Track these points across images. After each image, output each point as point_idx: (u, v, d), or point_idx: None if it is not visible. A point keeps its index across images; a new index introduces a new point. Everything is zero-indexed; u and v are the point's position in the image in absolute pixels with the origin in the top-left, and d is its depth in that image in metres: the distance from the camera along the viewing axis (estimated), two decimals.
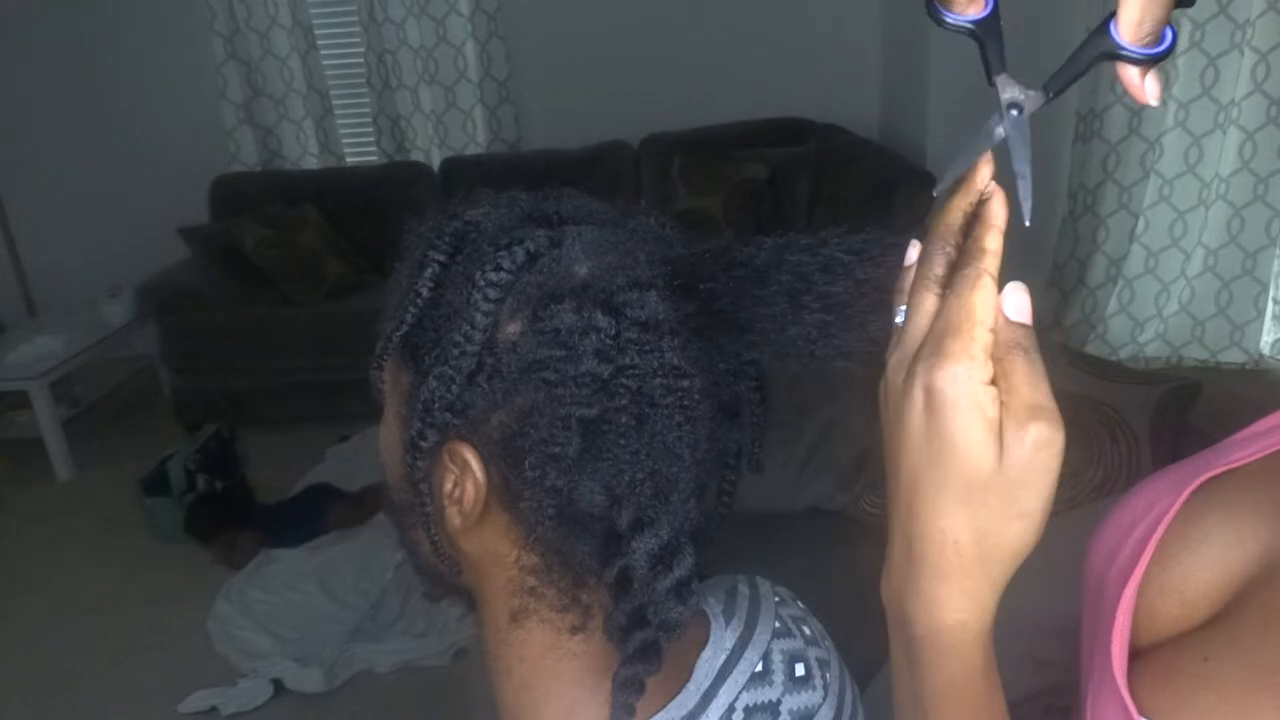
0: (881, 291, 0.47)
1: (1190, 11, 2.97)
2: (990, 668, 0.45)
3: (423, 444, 0.52)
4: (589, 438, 0.50)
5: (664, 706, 0.56)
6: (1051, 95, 0.44)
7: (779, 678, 0.60)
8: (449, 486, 0.53)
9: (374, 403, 0.59)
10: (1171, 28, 0.41)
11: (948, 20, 0.44)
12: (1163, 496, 0.56)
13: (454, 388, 0.51)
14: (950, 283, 0.42)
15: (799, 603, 0.68)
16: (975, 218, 0.43)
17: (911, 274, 0.44)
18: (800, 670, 0.62)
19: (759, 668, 0.60)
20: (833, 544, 1.87)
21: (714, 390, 0.55)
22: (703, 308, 0.52)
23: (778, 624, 0.63)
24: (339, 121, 4.24)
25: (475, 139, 4.18)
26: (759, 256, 0.50)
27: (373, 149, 4.23)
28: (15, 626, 2.75)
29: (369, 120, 4.18)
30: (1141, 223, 3.45)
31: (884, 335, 0.46)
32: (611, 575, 0.52)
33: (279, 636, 2.50)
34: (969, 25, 0.44)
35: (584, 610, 0.55)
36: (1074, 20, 3.22)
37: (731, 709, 0.57)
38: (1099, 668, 0.53)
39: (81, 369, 3.68)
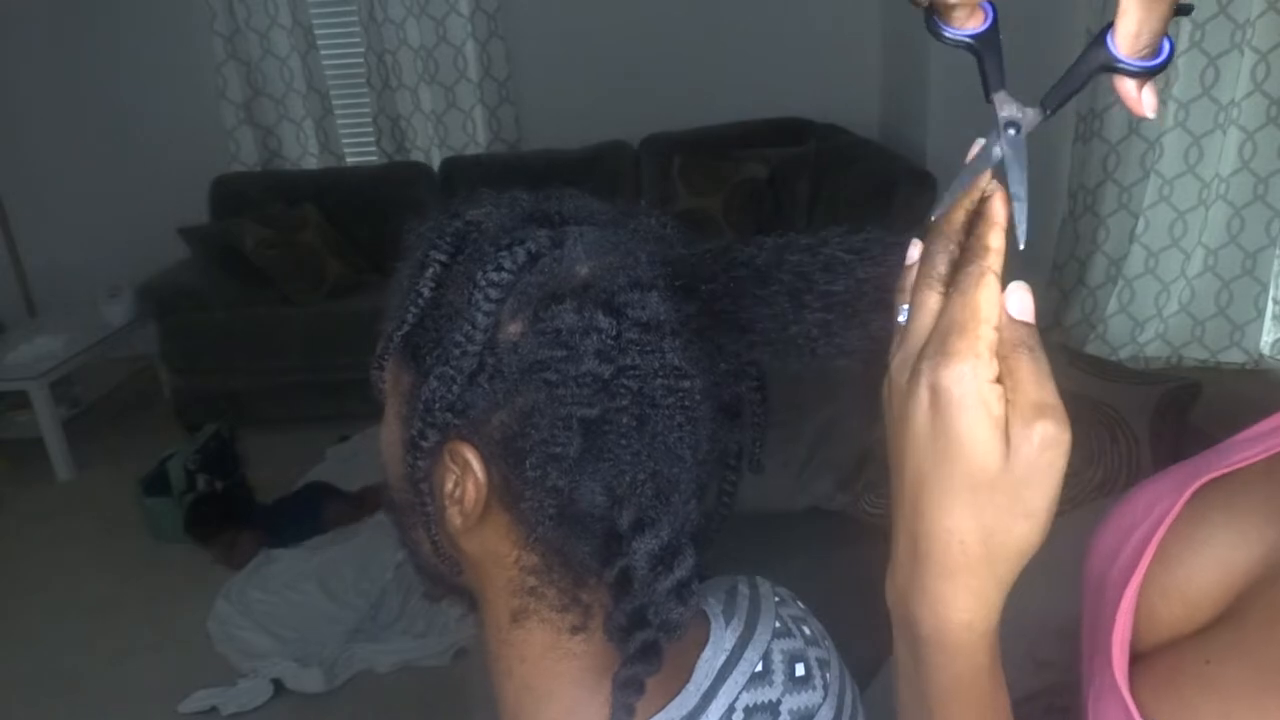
0: (882, 290, 0.47)
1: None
2: (996, 667, 0.45)
3: (424, 444, 0.52)
4: (590, 438, 0.50)
5: (664, 707, 0.56)
6: (1049, 112, 0.44)
7: (779, 678, 0.60)
8: (450, 486, 0.53)
9: (374, 402, 0.59)
10: (1169, 40, 0.41)
11: (946, 35, 0.44)
12: (1164, 497, 0.56)
13: (455, 388, 0.51)
14: (954, 280, 0.42)
15: (799, 603, 0.68)
16: (977, 215, 0.43)
17: (913, 273, 0.44)
18: (800, 670, 0.62)
19: (759, 668, 0.60)
20: (833, 544, 1.87)
21: (715, 391, 0.55)
22: (704, 308, 0.51)
23: (778, 624, 0.63)
24: (339, 121, 4.24)
25: (475, 139, 4.18)
26: (760, 256, 0.50)
27: (373, 149, 4.23)
28: (15, 627, 2.74)
29: (369, 120, 4.18)
30: (1141, 223, 3.45)
31: (885, 334, 0.46)
32: (612, 575, 0.52)
33: (279, 636, 2.50)
34: (968, 39, 0.44)
35: (584, 610, 0.55)
36: (1073, 21, 3.22)
37: (731, 709, 0.57)
38: (1100, 670, 0.53)
39: (81, 369, 3.68)
